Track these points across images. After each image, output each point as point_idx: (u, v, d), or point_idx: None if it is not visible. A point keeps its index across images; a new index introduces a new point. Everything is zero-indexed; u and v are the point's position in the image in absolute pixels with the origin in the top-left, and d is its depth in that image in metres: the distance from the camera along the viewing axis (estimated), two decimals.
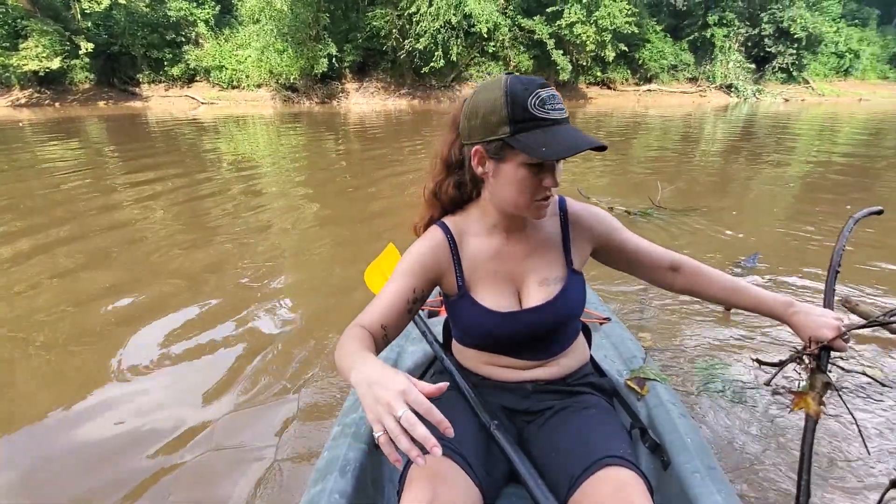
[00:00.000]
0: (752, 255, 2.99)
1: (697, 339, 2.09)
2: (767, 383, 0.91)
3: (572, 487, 0.79)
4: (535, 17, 16.95)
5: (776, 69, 21.65)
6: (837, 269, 1.03)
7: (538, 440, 0.91)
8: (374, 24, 15.53)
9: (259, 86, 16.77)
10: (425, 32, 14.81)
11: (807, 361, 0.91)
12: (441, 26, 14.70)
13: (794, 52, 21.04)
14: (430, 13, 14.55)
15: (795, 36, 20.25)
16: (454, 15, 14.57)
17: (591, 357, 1.10)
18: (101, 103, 15.74)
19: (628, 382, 1.14)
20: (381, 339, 0.86)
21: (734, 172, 6.08)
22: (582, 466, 0.79)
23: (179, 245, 3.29)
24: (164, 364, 1.98)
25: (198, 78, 16.96)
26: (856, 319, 2.10)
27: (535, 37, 16.86)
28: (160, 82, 16.83)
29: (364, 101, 16.76)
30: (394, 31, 15.51)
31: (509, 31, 16.95)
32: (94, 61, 15.45)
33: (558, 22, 16.32)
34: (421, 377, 1.18)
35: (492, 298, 0.92)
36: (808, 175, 5.90)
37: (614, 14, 16.01)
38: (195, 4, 16.41)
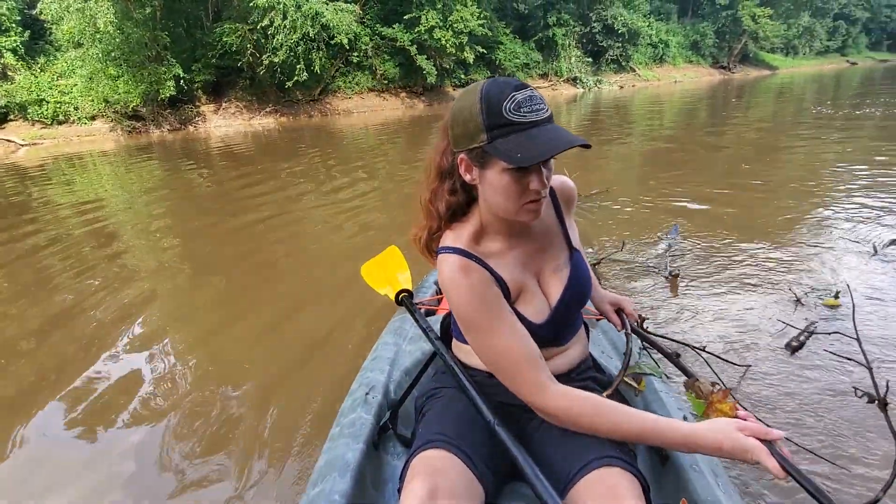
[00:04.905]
0: (672, 228, 3.22)
1: (699, 328, 2.14)
2: None
3: (568, 485, 0.79)
4: (394, 26, 17.15)
5: (609, 61, 24.76)
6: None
7: (538, 437, 0.91)
8: (225, 39, 14.38)
9: (93, 118, 14.56)
10: (282, 45, 14.12)
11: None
12: (300, 38, 14.14)
13: (620, 45, 24.27)
14: (285, 25, 13.91)
15: (619, 31, 23.38)
16: (311, 27, 14.12)
17: (590, 353, 1.10)
18: None
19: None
20: None
21: (604, 154, 6.72)
22: (578, 465, 0.80)
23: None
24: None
25: (12, 116, 14.19)
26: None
27: (398, 44, 17.07)
28: None
29: (225, 123, 15.49)
30: (248, 45, 14.53)
31: (371, 40, 16.92)
32: None
33: (417, 28, 16.70)
34: (420, 375, 1.15)
35: (530, 308, 0.91)
36: (661, 145, 6.74)
37: (466, 18, 16.82)
38: None
